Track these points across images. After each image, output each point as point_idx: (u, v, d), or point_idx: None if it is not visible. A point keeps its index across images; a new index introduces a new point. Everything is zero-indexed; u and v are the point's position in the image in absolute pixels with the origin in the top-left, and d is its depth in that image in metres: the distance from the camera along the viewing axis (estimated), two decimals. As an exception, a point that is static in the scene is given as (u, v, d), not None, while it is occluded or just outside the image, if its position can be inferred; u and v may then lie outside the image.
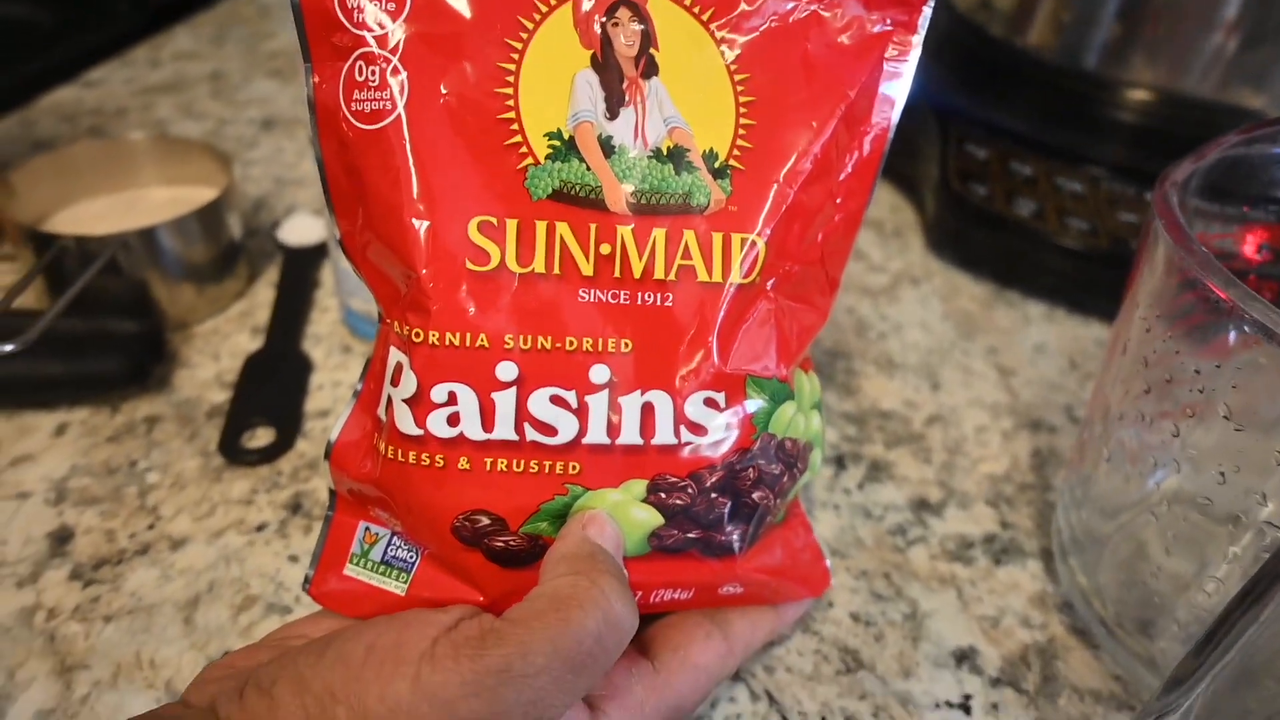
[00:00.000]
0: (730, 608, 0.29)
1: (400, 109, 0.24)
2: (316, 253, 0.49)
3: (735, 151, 0.26)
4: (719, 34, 0.26)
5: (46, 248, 0.40)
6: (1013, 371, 0.46)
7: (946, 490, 0.39)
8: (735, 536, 0.27)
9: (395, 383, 0.25)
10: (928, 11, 0.27)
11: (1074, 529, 0.35)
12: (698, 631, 0.28)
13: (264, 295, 0.47)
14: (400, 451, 0.25)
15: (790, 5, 0.27)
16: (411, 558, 0.26)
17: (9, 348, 0.34)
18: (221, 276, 0.45)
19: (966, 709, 0.30)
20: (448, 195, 0.25)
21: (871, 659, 0.32)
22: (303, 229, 0.50)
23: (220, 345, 0.43)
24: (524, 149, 0.25)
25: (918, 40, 0.27)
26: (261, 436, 0.38)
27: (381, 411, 0.26)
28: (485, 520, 0.25)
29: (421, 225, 0.24)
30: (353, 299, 0.42)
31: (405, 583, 0.26)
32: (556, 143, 0.25)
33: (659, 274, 0.25)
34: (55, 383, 0.38)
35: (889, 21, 0.27)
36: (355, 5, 0.24)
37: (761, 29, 0.27)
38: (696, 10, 0.26)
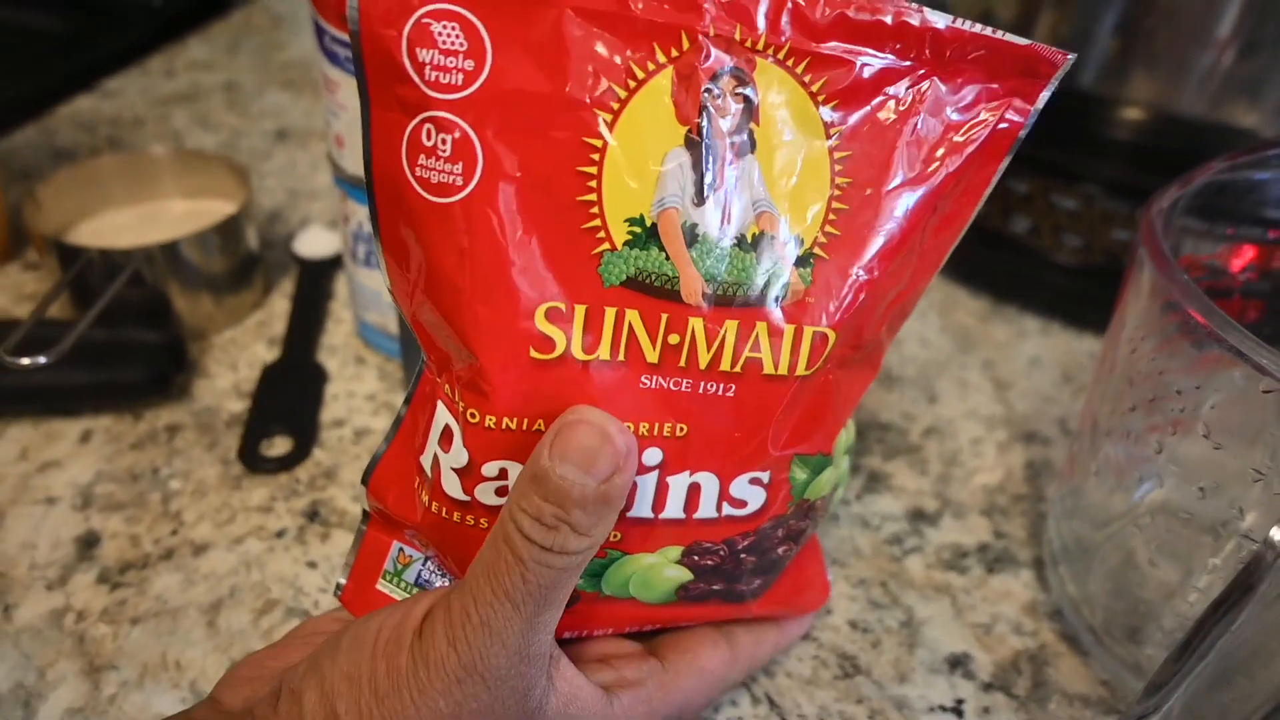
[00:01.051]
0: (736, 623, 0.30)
1: (471, 187, 0.22)
2: (331, 265, 0.50)
3: (821, 239, 0.24)
4: (825, 107, 0.24)
5: (72, 259, 0.41)
6: (1008, 384, 0.47)
7: (942, 501, 0.40)
8: (756, 586, 0.29)
9: (445, 448, 0.25)
10: (1048, 92, 0.26)
11: (1064, 539, 0.36)
12: (705, 639, 0.29)
13: (280, 306, 0.48)
14: (446, 510, 0.25)
15: (906, 77, 0.24)
16: (444, 584, 0.27)
17: (43, 360, 0.35)
18: (239, 288, 0.46)
19: (959, 713, 0.31)
20: (516, 284, 0.23)
21: (868, 664, 0.33)
22: (317, 242, 0.51)
23: (238, 355, 0.44)
24: (601, 234, 0.23)
25: (1030, 120, 0.26)
26: (279, 445, 0.39)
27: (427, 465, 0.25)
28: None
29: (492, 312, 0.23)
30: (367, 312, 0.43)
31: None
32: (638, 229, 0.23)
33: (725, 366, 0.24)
34: (81, 391, 0.40)
35: (1006, 96, 0.25)
36: (427, 60, 0.22)
37: (873, 104, 0.24)
38: (808, 79, 0.23)
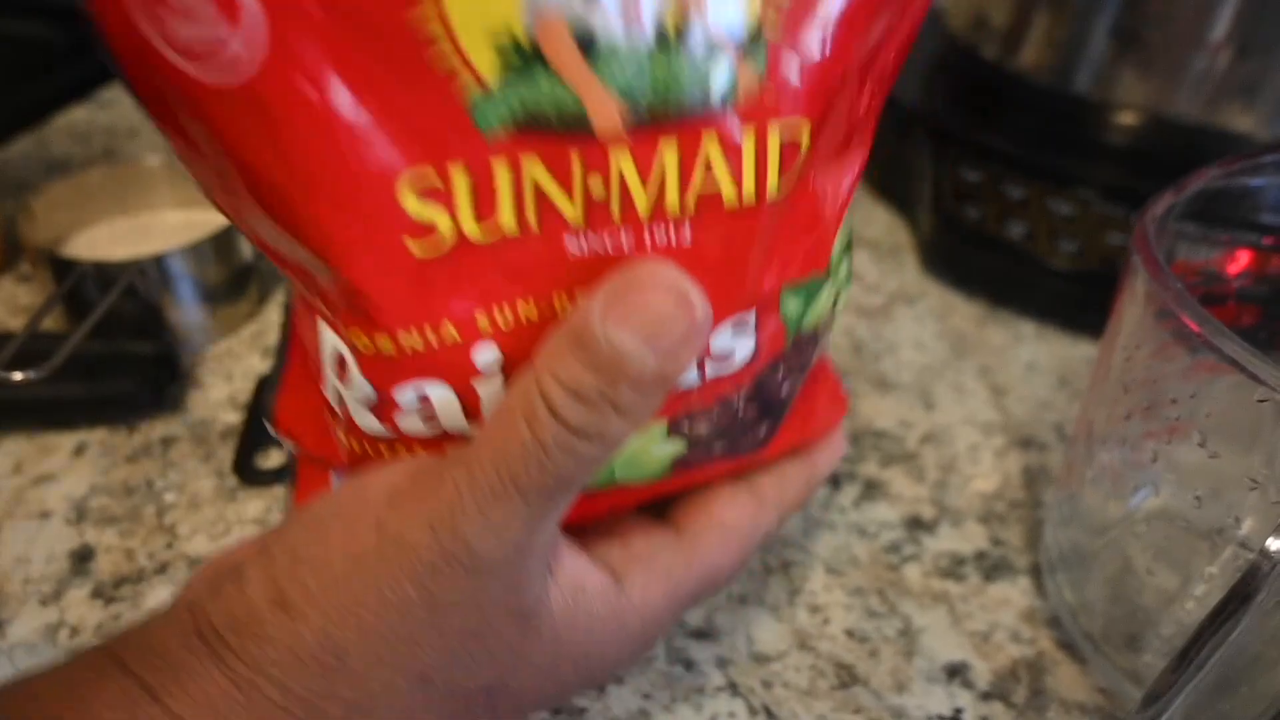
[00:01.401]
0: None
1: (240, 38, 0.16)
2: (325, 274, 0.50)
3: (770, 10, 0.18)
4: None
5: (65, 272, 0.41)
6: (1005, 390, 0.47)
7: (939, 508, 0.40)
8: (763, 432, 0.25)
9: (342, 379, 0.20)
10: None
11: (1062, 546, 0.36)
12: (721, 493, 0.25)
13: (274, 316, 0.48)
14: (370, 447, 0.21)
15: None
16: None
17: (36, 374, 0.35)
18: (234, 298, 0.46)
19: (957, 722, 0.31)
20: (357, 160, 0.17)
21: (866, 674, 0.33)
22: (312, 251, 0.51)
23: (233, 366, 0.44)
24: (458, 69, 0.17)
25: None
26: (274, 457, 0.39)
27: (332, 399, 0.21)
28: None
29: (328, 213, 0.17)
30: (362, 321, 0.43)
31: None
32: (507, 52, 0.17)
33: (672, 206, 0.19)
34: (75, 404, 0.39)
35: None
36: None
37: None
38: None
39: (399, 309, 0.18)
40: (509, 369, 0.20)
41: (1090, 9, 0.52)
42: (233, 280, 0.46)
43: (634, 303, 0.17)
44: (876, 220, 0.61)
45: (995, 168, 0.53)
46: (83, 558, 0.35)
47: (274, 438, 0.40)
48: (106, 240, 0.47)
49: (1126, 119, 0.53)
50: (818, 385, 0.27)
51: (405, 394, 0.19)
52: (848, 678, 0.33)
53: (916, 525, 0.39)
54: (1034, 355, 0.50)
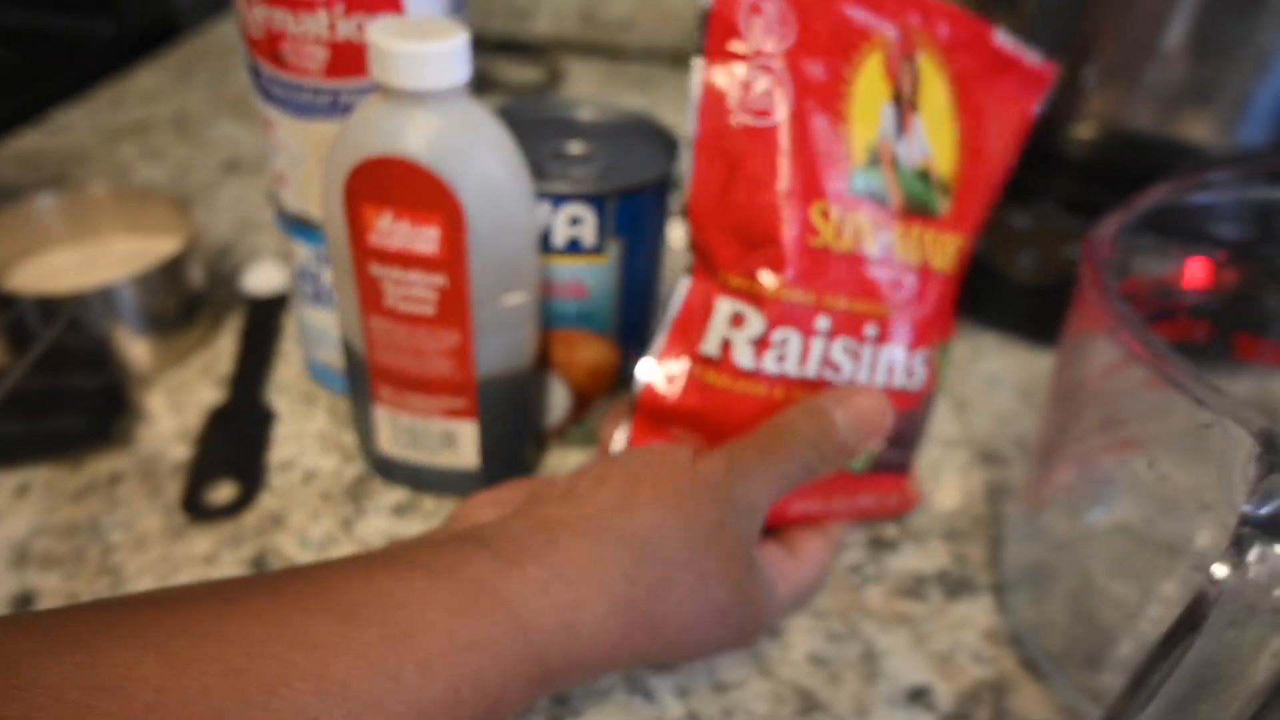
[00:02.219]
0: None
1: (783, 116, 0.31)
2: (280, 301, 0.49)
3: (954, 177, 0.35)
4: (951, 87, 0.35)
5: (6, 306, 0.40)
6: (967, 404, 0.47)
7: (902, 527, 0.40)
8: (907, 457, 0.37)
9: (738, 325, 0.31)
10: (1047, 89, 0.38)
11: (1022, 563, 0.36)
12: (806, 530, 0.35)
13: (227, 345, 0.47)
14: (732, 381, 0.32)
15: (982, 75, 0.36)
16: None
17: (-32, 414, 0.34)
18: (184, 327, 0.45)
19: (919, 748, 0.31)
20: (805, 186, 0.31)
21: (828, 700, 0.32)
22: (266, 277, 0.50)
23: (183, 398, 0.43)
24: (849, 153, 0.32)
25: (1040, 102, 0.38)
26: (224, 491, 0.38)
27: (712, 350, 0.32)
28: None
29: (787, 205, 0.31)
30: (316, 350, 0.43)
31: None
32: (870, 154, 0.32)
33: (914, 260, 0.34)
34: (17, 443, 0.38)
35: (1028, 93, 0.37)
36: (752, 23, 0.30)
37: (972, 88, 0.35)
38: (944, 67, 0.34)
39: (799, 273, 0.31)
40: (830, 337, 0.32)
41: (1045, 21, 0.52)
42: (182, 309, 0.45)
43: (853, 401, 0.30)
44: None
45: (954, 181, 0.53)
46: (24, 602, 0.34)
47: (224, 472, 0.39)
48: (53, 271, 0.46)
49: (1082, 131, 0.53)
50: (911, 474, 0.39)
51: (778, 334, 0.31)
52: (809, 704, 0.32)
53: (879, 545, 0.39)
54: (996, 368, 0.50)
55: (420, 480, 0.39)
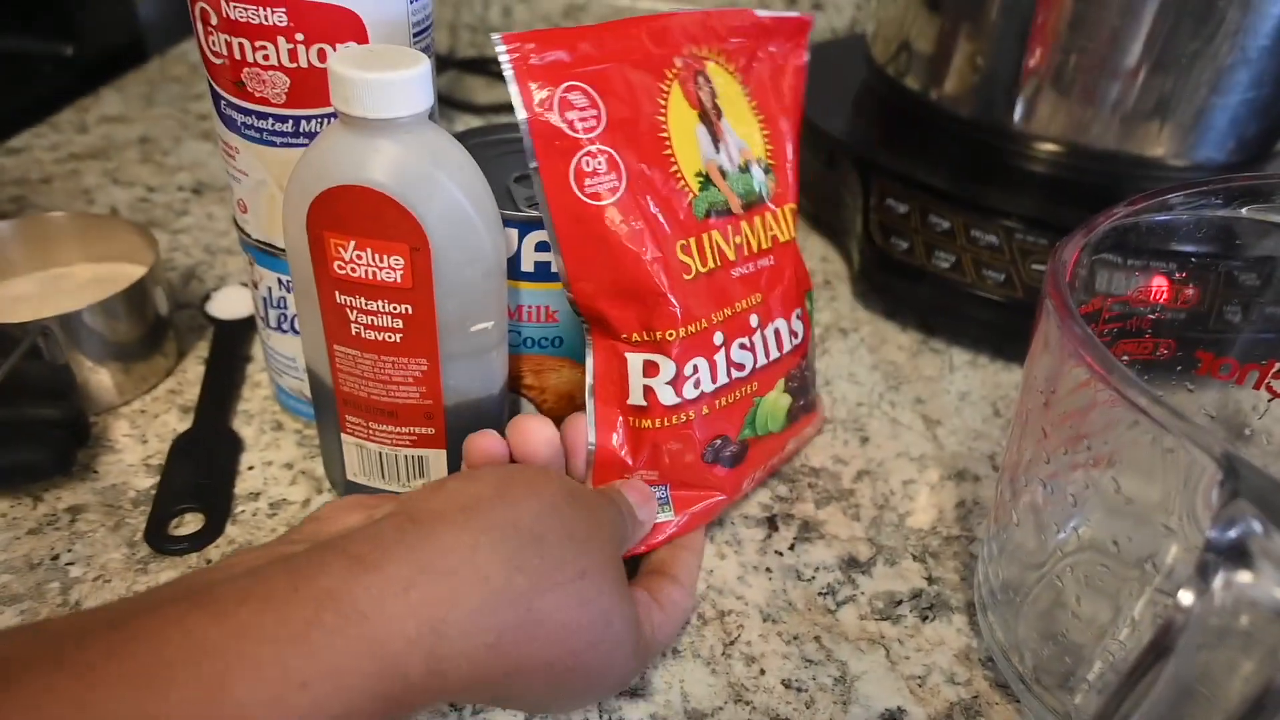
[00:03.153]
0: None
1: (624, 184, 0.33)
2: (247, 326, 0.48)
3: (767, 155, 0.39)
4: (739, 77, 0.39)
5: (-37, 337, 0.39)
6: (938, 421, 0.47)
7: (875, 547, 0.40)
8: (806, 402, 0.42)
9: (652, 374, 0.35)
10: (807, 36, 0.42)
11: (994, 582, 0.36)
12: (679, 555, 0.36)
13: (193, 371, 0.46)
14: (664, 420, 0.35)
15: (759, 53, 0.40)
16: (665, 495, 0.36)
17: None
18: (149, 354, 0.44)
19: (894, 773, 0.31)
20: (663, 237, 0.34)
21: (802, 726, 0.32)
22: (233, 301, 0.49)
23: (147, 427, 0.43)
24: (686, 187, 0.35)
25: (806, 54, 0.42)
26: (190, 523, 0.38)
27: (638, 400, 0.35)
28: (719, 441, 0.37)
29: (657, 262, 0.34)
30: (283, 378, 0.42)
31: (671, 513, 0.36)
32: (700, 179, 0.36)
33: (765, 245, 0.38)
34: (-27, 477, 0.38)
35: (794, 48, 0.42)
36: (569, 120, 0.32)
37: (754, 68, 0.40)
38: (728, 66, 0.38)
39: (687, 312, 0.35)
40: (726, 347, 0.36)
41: (1007, 41, 0.53)
42: (148, 336, 0.44)
43: (635, 486, 0.35)
44: (811, 252, 0.62)
45: (922, 199, 0.54)
46: (-20, 642, 0.33)
47: (189, 502, 0.38)
48: (12, 299, 0.45)
49: (1045, 149, 0.54)
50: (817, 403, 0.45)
51: (688, 368, 0.35)
52: (784, 731, 0.32)
53: (853, 565, 0.39)
54: (966, 384, 0.50)
55: (390, 508, 0.39)
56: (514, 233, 0.35)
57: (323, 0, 0.31)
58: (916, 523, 0.41)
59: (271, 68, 0.33)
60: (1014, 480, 0.34)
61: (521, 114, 0.32)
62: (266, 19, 0.31)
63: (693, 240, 0.35)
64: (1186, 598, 0.21)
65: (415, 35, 0.35)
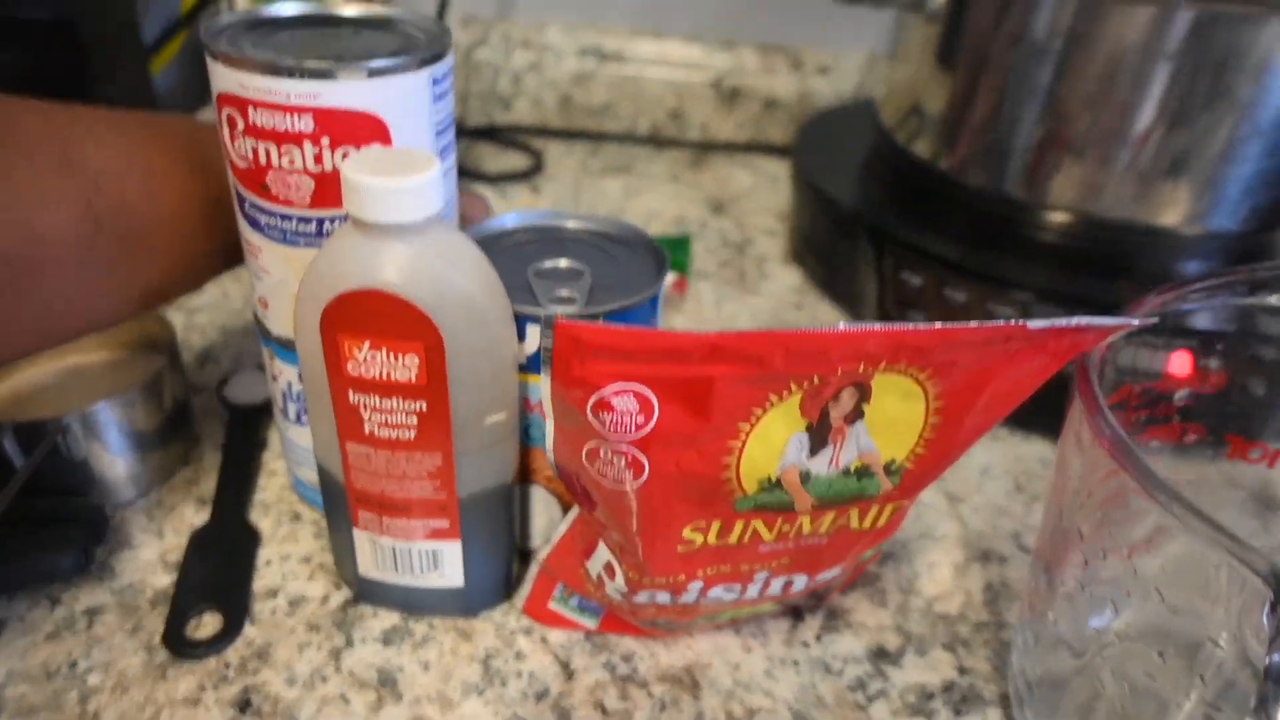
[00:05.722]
0: None
1: (641, 481, 0.29)
2: (264, 411, 0.48)
3: (911, 457, 0.31)
4: (929, 384, 0.29)
5: (-18, 434, 0.39)
6: (960, 498, 0.47)
7: (904, 635, 0.39)
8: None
9: (609, 575, 0.34)
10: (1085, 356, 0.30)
11: (1030, 674, 0.35)
12: None
13: (210, 459, 0.46)
14: (605, 600, 0.36)
15: (990, 353, 0.29)
16: (600, 608, 0.37)
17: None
18: (166, 442, 0.44)
19: None
20: (667, 522, 0.31)
21: (839, 834, 0.31)
22: (249, 386, 0.49)
23: (165, 520, 0.42)
24: (734, 488, 0.30)
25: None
26: (208, 624, 0.37)
27: (594, 574, 0.35)
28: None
29: (648, 541, 0.31)
30: (300, 469, 0.42)
31: (596, 622, 0.37)
32: (764, 483, 0.30)
33: (823, 530, 0.33)
34: (-9, 580, 0.37)
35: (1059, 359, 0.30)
36: (604, 420, 0.28)
37: (968, 371, 0.29)
38: (914, 372, 0.28)
39: (662, 572, 0.33)
40: (703, 593, 0.34)
41: (1019, 111, 0.53)
42: (164, 425, 0.44)
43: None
44: (821, 319, 0.62)
45: (936, 272, 0.54)
46: (-4, 756, 0.32)
47: (207, 602, 0.38)
48: (29, 388, 0.45)
49: (1057, 218, 0.54)
50: None
51: (642, 596, 0.34)
52: (820, 841, 0.31)
53: (882, 656, 0.38)
54: (987, 458, 0.50)
55: (405, 602, 0.38)
56: (535, 329, 0.34)
57: (348, 108, 0.32)
58: (944, 608, 0.40)
59: (297, 171, 0.33)
60: (1049, 571, 0.34)
61: (547, 385, 0.28)
62: (293, 125, 0.32)
63: (714, 523, 0.31)
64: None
65: (438, 134, 0.35)
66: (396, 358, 0.31)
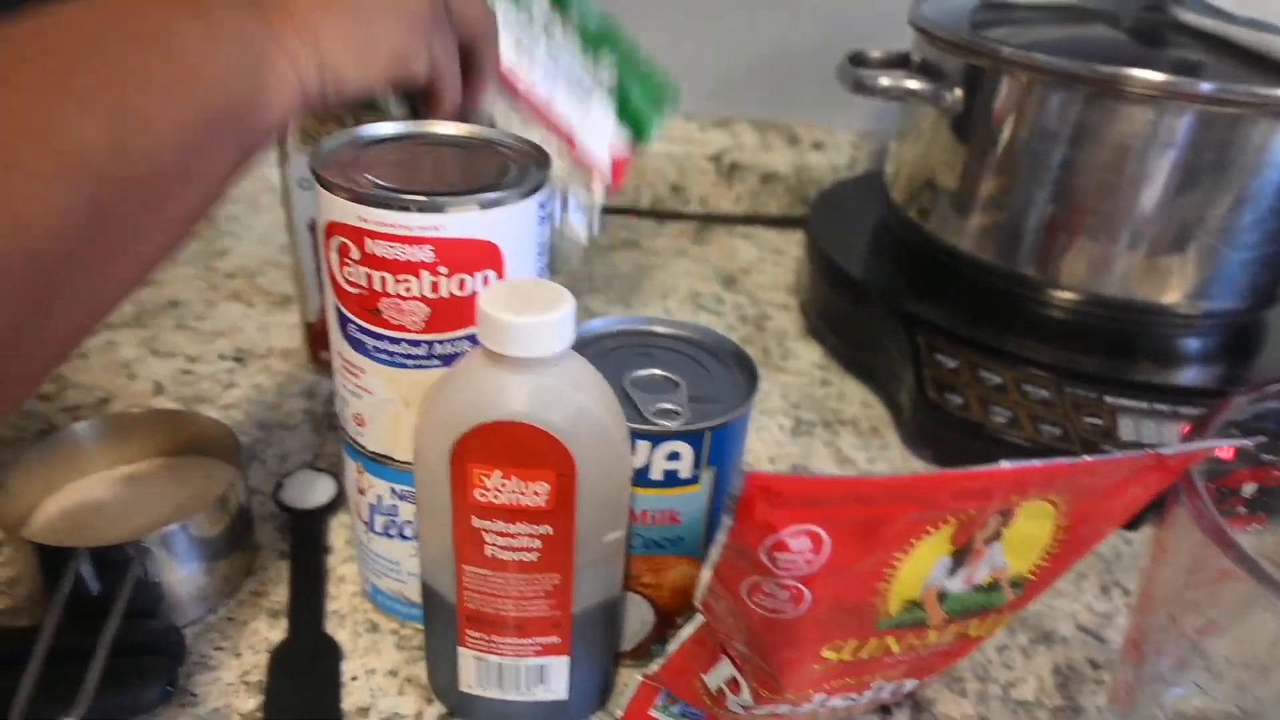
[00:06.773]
0: None
1: (799, 612, 0.30)
2: (324, 513, 0.48)
3: (1034, 569, 0.33)
4: (1060, 503, 0.31)
5: (56, 564, 0.38)
6: (1014, 579, 0.48)
7: (988, 725, 0.40)
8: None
9: (733, 690, 0.35)
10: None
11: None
12: None
13: (274, 568, 0.45)
14: (723, 711, 0.36)
15: (1114, 478, 0.31)
16: (702, 715, 0.37)
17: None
18: (231, 553, 0.43)
19: None
20: (814, 641, 0.32)
21: None
22: (305, 488, 0.49)
23: (239, 637, 0.41)
24: (881, 609, 0.31)
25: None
26: (306, 749, 0.36)
27: (712, 686, 0.36)
28: None
29: (789, 663, 0.32)
30: (381, 579, 0.41)
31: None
32: (907, 604, 0.32)
33: (947, 641, 0.34)
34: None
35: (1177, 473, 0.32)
36: (775, 558, 0.28)
37: (1096, 490, 0.31)
38: (1051, 496, 0.30)
39: (795, 689, 0.34)
40: (829, 694, 0.35)
41: (1026, 194, 0.56)
42: (230, 535, 0.43)
43: None
44: (850, 396, 0.63)
45: (969, 355, 0.56)
46: None
47: (303, 726, 0.37)
48: (89, 503, 0.44)
49: (1066, 296, 0.57)
50: None
51: (764, 709, 0.35)
52: None
53: (971, 748, 0.39)
54: (1031, 536, 0.51)
55: (503, 715, 0.38)
56: (646, 445, 0.35)
57: (467, 237, 0.32)
58: (1021, 694, 0.42)
59: (412, 298, 0.33)
60: (1139, 666, 0.35)
61: (725, 530, 0.28)
62: (413, 256, 0.32)
63: (849, 643, 0.32)
64: None
65: (539, 254, 0.36)
66: (526, 485, 0.31)
